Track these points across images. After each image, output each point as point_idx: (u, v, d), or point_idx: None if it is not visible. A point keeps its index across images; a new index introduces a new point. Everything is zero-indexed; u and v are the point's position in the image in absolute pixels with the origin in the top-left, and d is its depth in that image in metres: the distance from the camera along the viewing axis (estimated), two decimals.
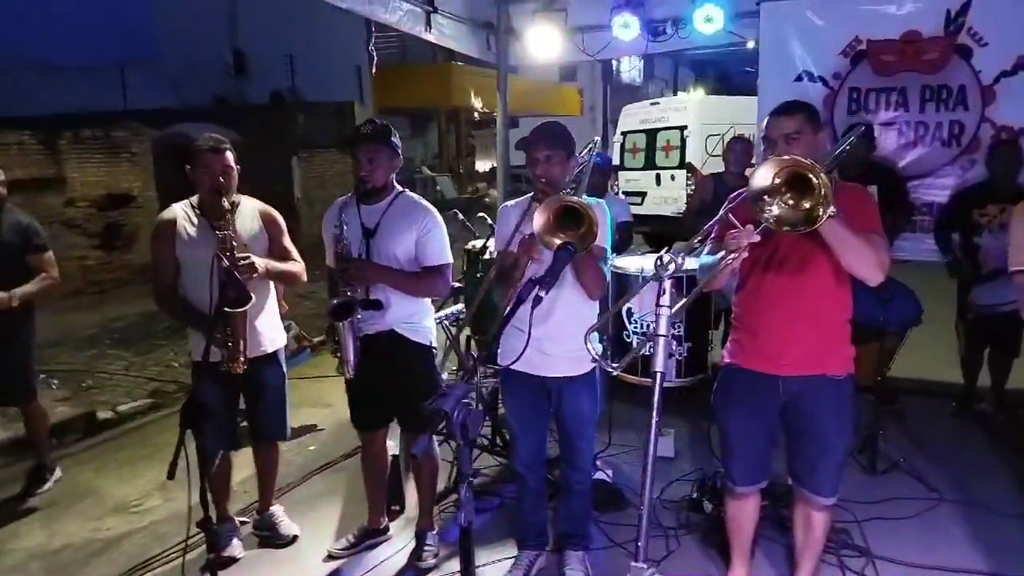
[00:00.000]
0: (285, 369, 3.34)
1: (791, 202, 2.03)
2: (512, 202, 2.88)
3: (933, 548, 3.13)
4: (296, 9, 15.47)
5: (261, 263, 2.95)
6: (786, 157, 2.10)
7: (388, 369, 2.96)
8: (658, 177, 11.81)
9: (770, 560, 3.09)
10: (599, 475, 3.69)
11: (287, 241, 3.21)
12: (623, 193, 11.76)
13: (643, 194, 12.00)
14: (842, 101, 4.95)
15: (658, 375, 1.81)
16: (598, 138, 2.74)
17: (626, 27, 5.17)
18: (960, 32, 4.59)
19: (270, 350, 3.21)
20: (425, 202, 3.02)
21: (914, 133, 4.83)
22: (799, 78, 5.03)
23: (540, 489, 3.01)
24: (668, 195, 11.59)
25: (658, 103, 12.63)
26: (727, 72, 28.16)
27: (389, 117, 5.86)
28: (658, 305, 1.80)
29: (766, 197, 2.05)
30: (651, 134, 11.98)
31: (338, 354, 2.92)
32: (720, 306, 4.58)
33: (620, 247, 4.88)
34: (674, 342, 3.84)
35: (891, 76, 4.80)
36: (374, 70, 5.58)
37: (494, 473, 3.96)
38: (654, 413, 1.82)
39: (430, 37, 5.18)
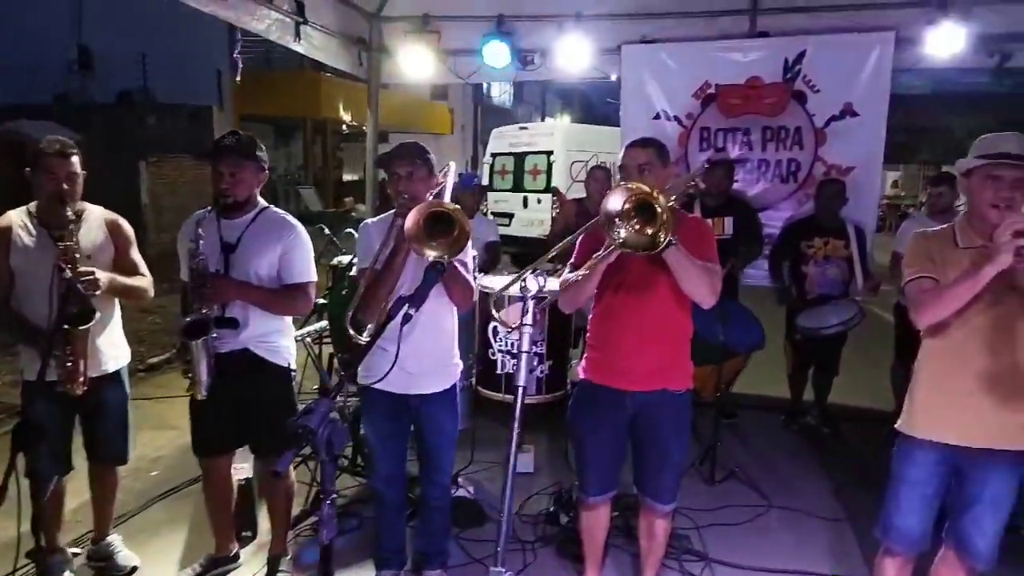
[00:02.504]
0: (128, 389, 3.13)
1: (638, 227, 2.23)
2: (374, 219, 2.88)
3: (763, 551, 3.41)
4: (152, 7, 14.56)
5: (105, 277, 2.76)
6: (633, 185, 2.28)
7: (241, 390, 2.83)
8: (525, 200, 12.15)
9: (618, 567, 3.25)
10: (460, 492, 3.73)
11: (135, 253, 3.02)
12: (492, 214, 11.98)
13: (511, 215, 12.29)
14: (695, 139, 5.36)
15: (519, 390, 1.88)
16: (452, 163, 2.80)
17: (496, 55, 5.32)
18: (796, 79, 5.12)
19: (112, 369, 3.00)
20: (291, 217, 2.94)
21: (757, 170, 5.31)
22: (657, 116, 5.40)
23: (399, 507, 3.00)
24: (535, 217, 11.95)
25: (527, 128, 13.03)
26: (591, 102, 29.43)
27: (251, 124, 5.69)
28: (521, 324, 1.88)
29: (616, 221, 2.24)
30: (519, 157, 12.33)
31: (190, 374, 2.78)
32: (579, 324, 4.79)
33: (488, 267, 4.99)
34: (536, 359, 3.97)
35: (737, 117, 5.26)
36: (239, 78, 5.35)
37: (353, 494, 3.90)
38: (515, 424, 1.89)
39: (299, 48, 5.07)
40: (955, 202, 4.91)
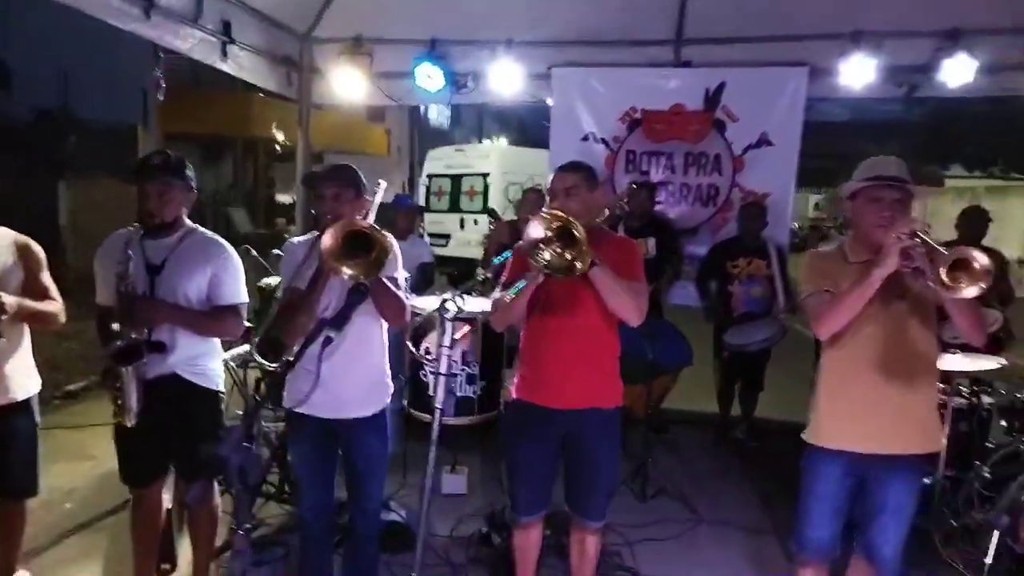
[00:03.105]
0: (38, 418, 2.98)
1: (559, 251, 2.30)
2: (298, 238, 2.86)
3: (692, 565, 3.50)
4: (74, 24, 14.03)
5: (12, 301, 2.64)
6: (553, 212, 2.36)
7: (169, 416, 2.74)
8: (462, 221, 12.19)
9: None
10: (392, 516, 3.67)
11: (46, 277, 2.89)
12: (428, 235, 11.96)
13: (448, 236, 12.30)
14: (621, 161, 5.51)
15: (437, 412, 1.89)
16: (383, 183, 2.80)
17: (429, 77, 5.36)
18: (717, 108, 5.33)
19: (21, 397, 2.85)
20: (220, 239, 2.89)
21: (679, 193, 5.49)
22: (585, 138, 5.53)
23: (326, 536, 2.93)
24: (472, 238, 11.98)
25: (463, 150, 13.12)
26: (527, 124, 29.80)
27: (178, 144, 5.54)
28: (440, 345, 1.89)
29: (540, 245, 2.32)
30: (456, 179, 12.38)
31: (119, 401, 2.67)
32: (512, 344, 4.82)
33: (421, 287, 4.97)
34: (466, 380, 3.98)
35: (661, 142, 5.44)
36: (162, 97, 5.22)
37: (280, 522, 3.79)
38: (432, 446, 1.89)
39: (226, 68, 4.98)
40: None
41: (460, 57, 5.49)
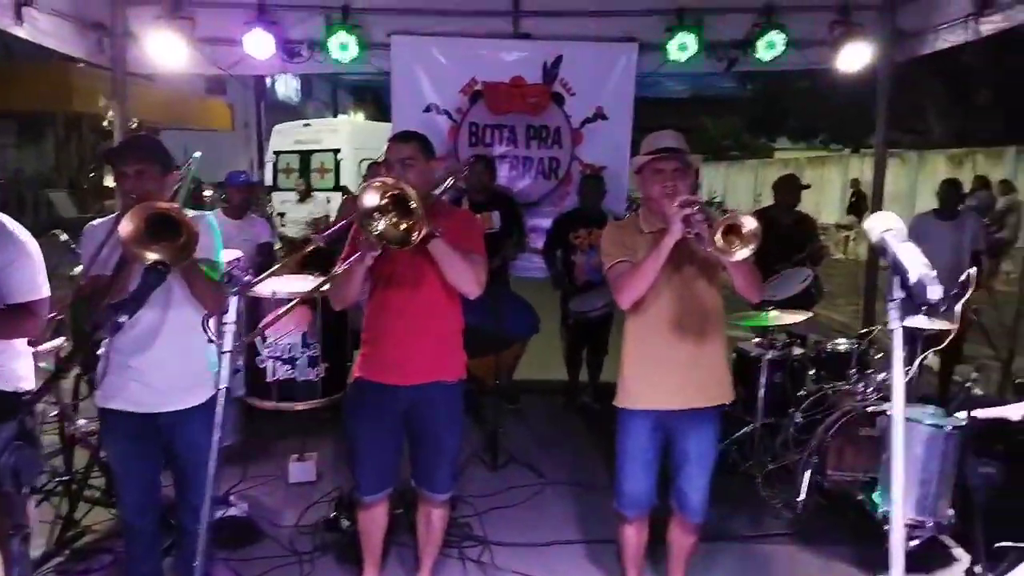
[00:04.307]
0: None
1: (395, 220, 2.24)
2: (99, 220, 2.61)
3: (539, 527, 3.59)
4: None
5: None
6: (388, 180, 2.28)
7: None
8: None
9: (402, 563, 3.25)
10: (232, 511, 3.51)
11: None
12: (278, 214, 11.42)
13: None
14: (464, 134, 5.49)
15: (221, 391, 1.79)
16: (198, 153, 2.61)
17: (259, 44, 5.05)
18: (554, 82, 5.42)
19: None
20: (12, 225, 2.54)
21: (522, 166, 5.56)
22: (428, 109, 5.44)
23: (152, 538, 2.73)
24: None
25: (311, 124, 12.61)
26: (385, 99, 29.17)
27: None
28: (223, 322, 1.78)
29: (375, 214, 2.25)
30: (305, 155, 11.88)
31: None
32: (356, 327, 4.71)
33: (262, 268, 4.73)
34: (307, 363, 3.85)
35: (503, 115, 5.46)
36: None
37: (107, 527, 3.51)
38: (216, 431, 1.80)
39: (21, 32, 4.42)
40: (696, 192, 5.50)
41: (293, 24, 5.22)
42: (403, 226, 2.26)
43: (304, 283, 3.87)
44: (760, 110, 26.62)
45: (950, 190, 5.45)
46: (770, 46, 5.06)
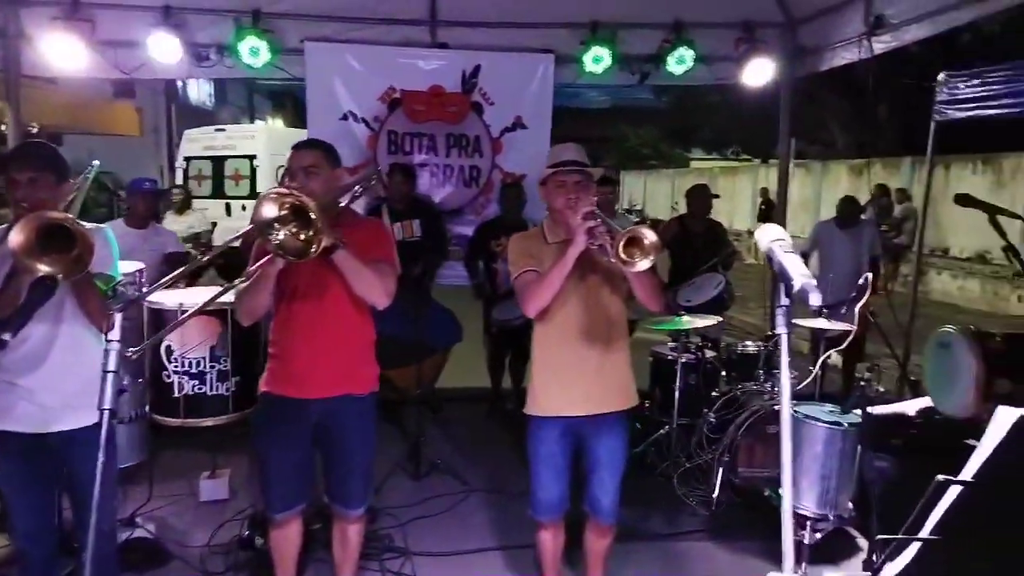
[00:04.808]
0: None
1: (294, 231, 2.19)
2: None
3: (462, 535, 3.59)
4: None
5: None
6: (285, 190, 2.25)
7: None
8: (228, 207, 11.36)
9: None
10: (138, 532, 3.35)
11: None
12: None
13: (214, 224, 11.39)
14: (383, 142, 5.44)
15: (104, 413, 1.71)
16: (97, 162, 2.50)
17: (164, 48, 4.87)
18: (473, 91, 5.45)
19: None
20: None
21: (443, 174, 5.56)
22: (345, 116, 5.37)
23: (47, 565, 2.57)
24: (241, 225, 11.14)
25: (224, 130, 12.20)
26: (302, 104, 28.54)
27: None
28: (108, 340, 1.70)
29: (275, 225, 2.19)
30: (218, 162, 11.48)
31: None
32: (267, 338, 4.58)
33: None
34: (217, 378, 3.72)
35: (422, 123, 5.45)
36: None
37: (3, 554, 3.30)
38: (101, 453, 1.72)
39: None
40: (616, 202, 5.66)
41: (201, 27, 5.06)
42: (303, 237, 2.20)
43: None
44: (676, 121, 27.47)
45: (848, 205, 5.79)
46: (680, 61, 5.24)
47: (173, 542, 3.43)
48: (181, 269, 2.58)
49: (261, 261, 2.39)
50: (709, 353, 4.55)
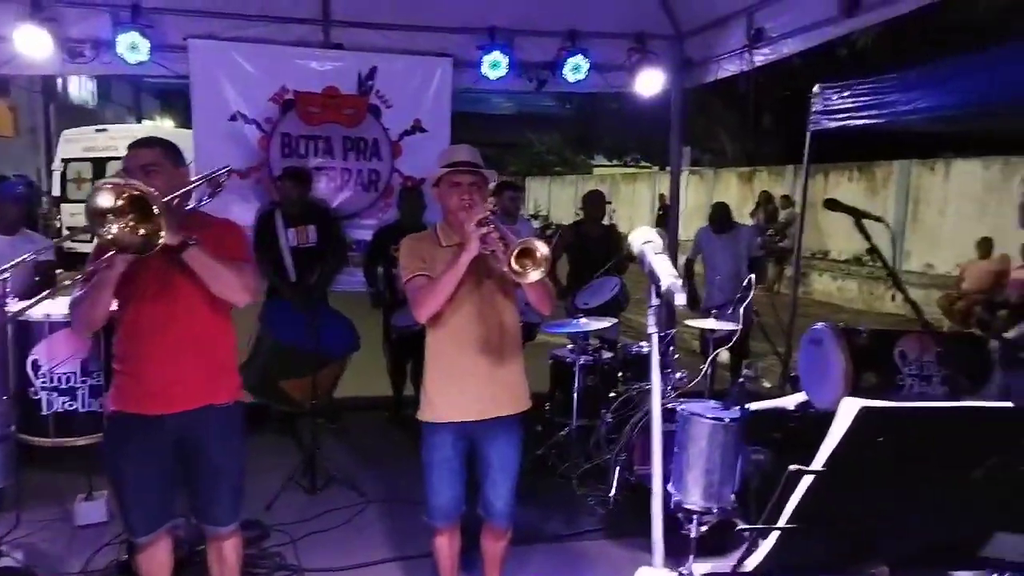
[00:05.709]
0: None
1: (132, 224, 2.03)
2: None
3: (358, 548, 3.50)
4: None
5: None
6: (126, 180, 2.10)
7: None
8: None
9: None
10: (5, 562, 3.10)
11: None
12: (67, 228, 10.32)
13: None
14: (276, 145, 5.26)
15: None
16: None
17: (33, 42, 4.54)
18: (370, 94, 5.36)
19: None
20: None
21: (340, 178, 5.44)
22: (234, 117, 5.17)
23: None
24: None
25: (106, 130, 11.55)
26: None
27: None
28: None
29: (109, 216, 2.02)
30: (100, 163, 10.85)
31: None
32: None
33: (36, 290, 4.23)
34: (89, 393, 3.48)
35: (317, 126, 5.31)
36: None
37: None
38: None
39: None
40: (520, 206, 5.71)
41: (75, 21, 4.76)
42: (142, 231, 2.03)
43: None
44: (579, 128, 28.06)
45: (718, 211, 6.04)
46: (576, 69, 5.36)
47: (45, 569, 3.18)
48: (49, 291, 2.37)
49: (99, 260, 2.21)
50: (606, 354, 4.65)
